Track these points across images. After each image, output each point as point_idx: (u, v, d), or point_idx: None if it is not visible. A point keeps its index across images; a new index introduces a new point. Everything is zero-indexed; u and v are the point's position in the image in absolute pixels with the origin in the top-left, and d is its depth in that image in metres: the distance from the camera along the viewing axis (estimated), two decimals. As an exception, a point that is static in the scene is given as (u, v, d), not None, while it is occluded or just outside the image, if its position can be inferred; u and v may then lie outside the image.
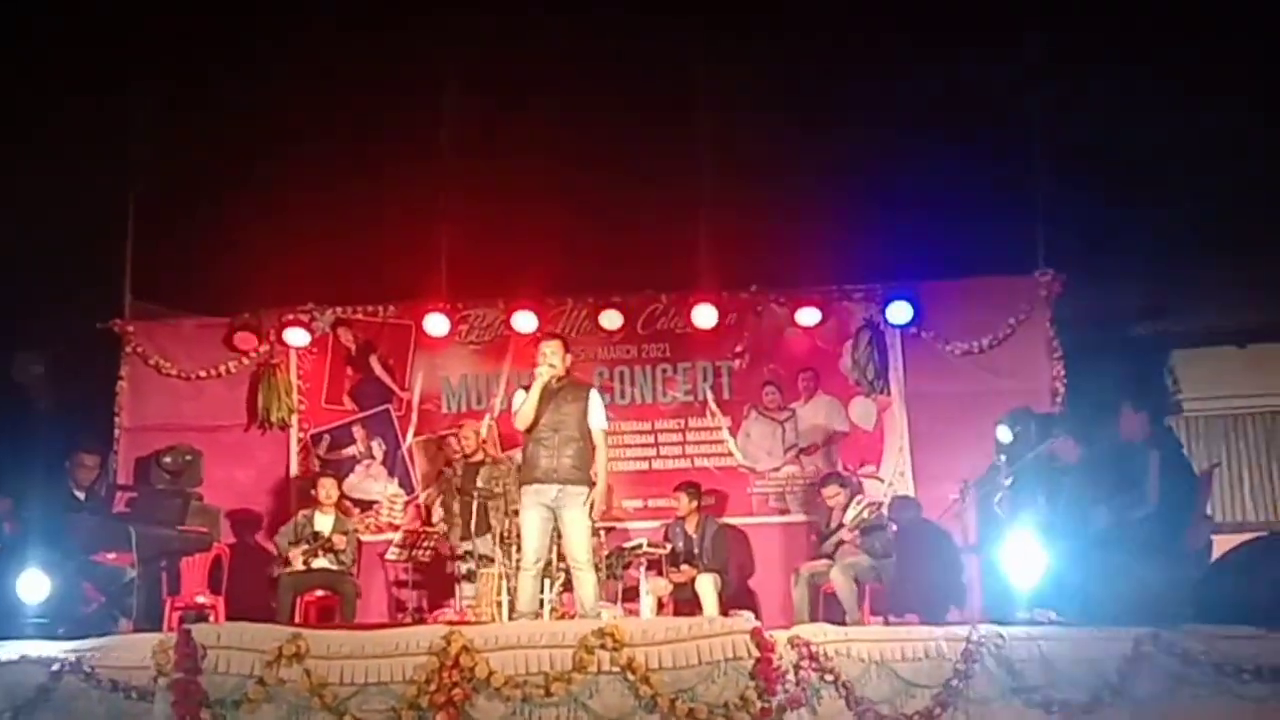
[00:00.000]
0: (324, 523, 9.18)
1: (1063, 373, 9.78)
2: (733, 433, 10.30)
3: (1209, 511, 7.85)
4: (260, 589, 9.20)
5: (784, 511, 10.17)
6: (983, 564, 8.54)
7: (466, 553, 9.03)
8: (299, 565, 8.96)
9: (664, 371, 10.42)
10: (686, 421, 10.34)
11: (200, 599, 8.76)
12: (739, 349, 10.36)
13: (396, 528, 10.04)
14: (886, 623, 8.62)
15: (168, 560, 8.13)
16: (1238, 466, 10.82)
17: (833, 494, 9.15)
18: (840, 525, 8.94)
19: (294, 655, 5.92)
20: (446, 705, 5.82)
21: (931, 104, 9.64)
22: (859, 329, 10.21)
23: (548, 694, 5.87)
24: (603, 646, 5.94)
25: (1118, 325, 10.75)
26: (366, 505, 10.22)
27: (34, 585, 6.61)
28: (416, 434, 10.44)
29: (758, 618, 7.41)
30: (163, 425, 10.04)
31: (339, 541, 9.02)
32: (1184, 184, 9.89)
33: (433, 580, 9.72)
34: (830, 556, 8.88)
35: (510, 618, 7.78)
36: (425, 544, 9.36)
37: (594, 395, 7.40)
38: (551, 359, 7.24)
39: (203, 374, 10.35)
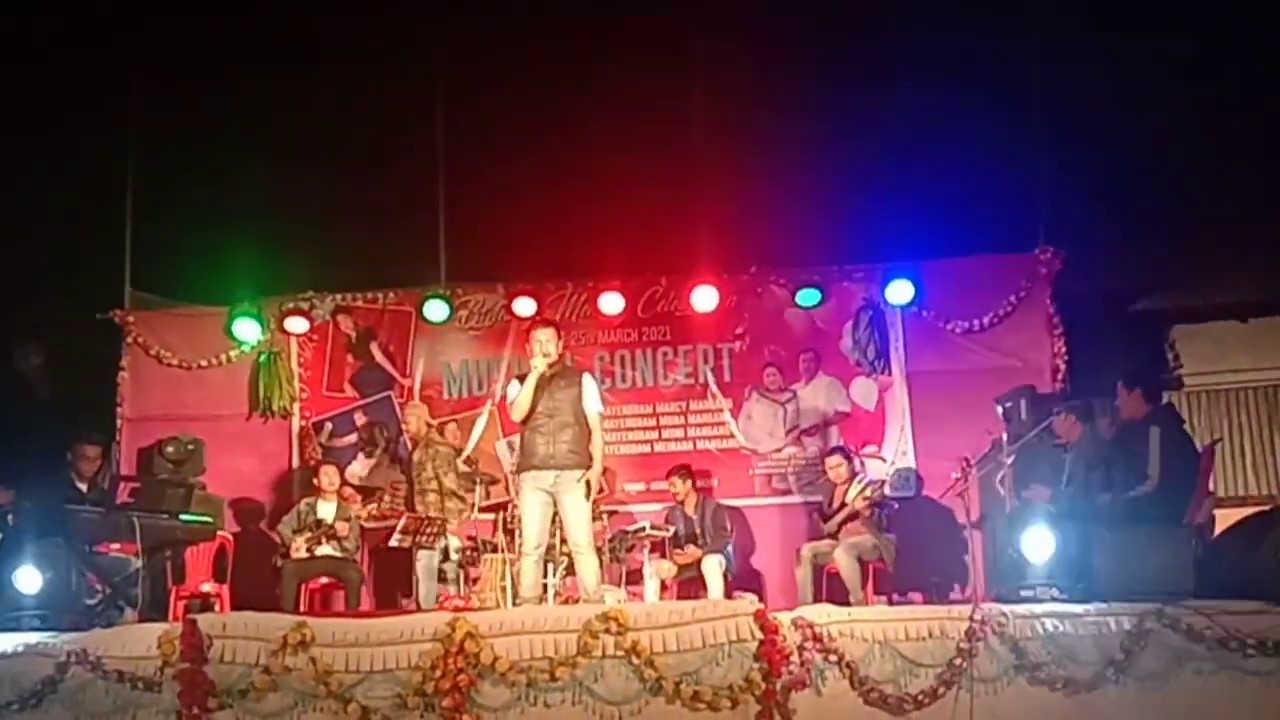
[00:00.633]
0: (326, 510, 9.18)
1: (1064, 350, 9.77)
2: (734, 415, 10.29)
3: (1211, 487, 7.84)
4: (265, 577, 9.20)
5: (786, 492, 10.18)
6: (986, 542, 8.54)
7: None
8: (302, 553, 8.96)
9: (665, 354, 10.41)
10: (688, 404, 10.34)
11: (205, 588, 8.79)
12: (739, 331, 10.35)
13: (400, 514, 10.04)
14: (890, 602, 8.62)
15: (172, 550, 8.12)
16: (1239, 441, 10.81)
17: (835, 464, 9.15)
18: (843, 505, 8.95)
19: (299, 643, 5.95)
20: (452, 691, 5.85)
21: (931, 81, 9.62)
22: (859, 309, 10.20)
23: (552, 679, 5.90)
24: (607, 630, 5.97)
25: (1119, 301, 10.73)
26: (369, 493, 10.21)
27: (31, 578, 6.61)
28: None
29: (761, 599, 7.43)
30: (164, 415, 10.06)
31: (341, 529, 9.03)
32: (1185, 159, 9.88)
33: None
34: (834, 536, 8.90)
35: (514, 603, 7.80)
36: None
37: (588, 380, 7.41)
38: (546, 346, 7.23)
39: (203, 363, 10.35)
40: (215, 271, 10.22)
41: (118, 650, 6.11)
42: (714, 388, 10.34)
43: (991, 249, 10.07)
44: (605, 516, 9.17)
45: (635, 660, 5.92)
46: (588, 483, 7.21)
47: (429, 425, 9.82)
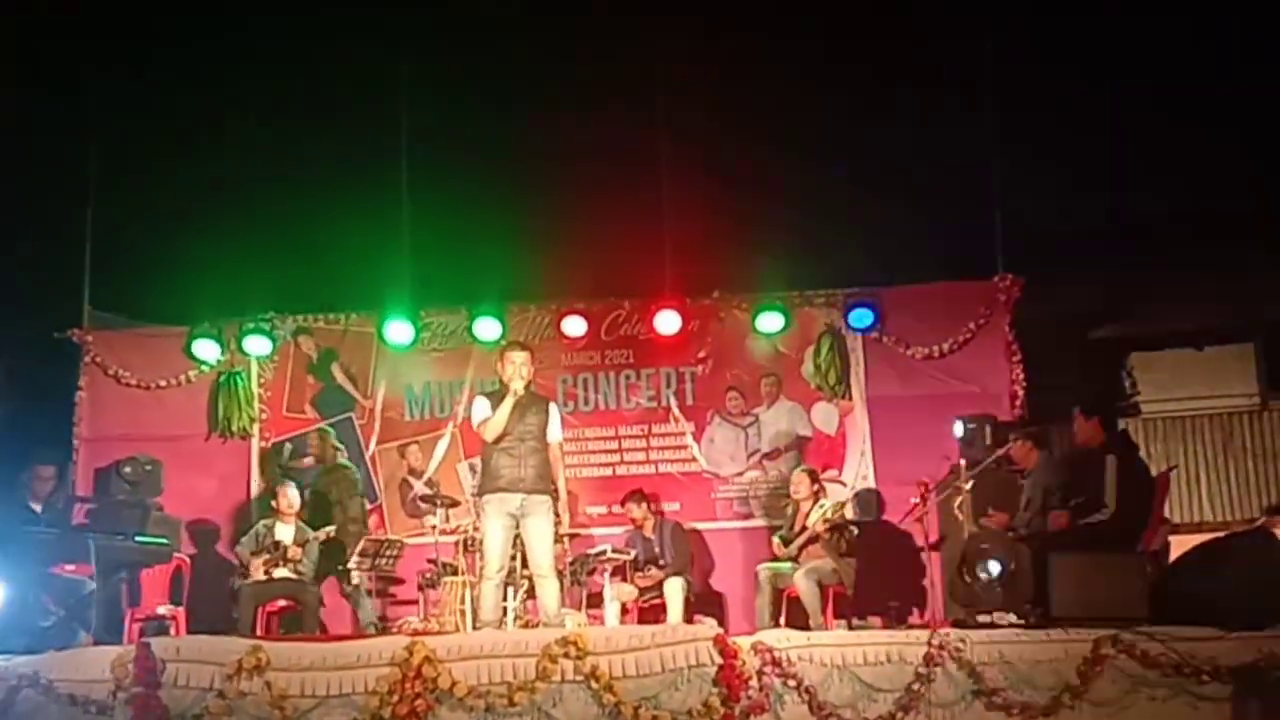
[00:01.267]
0: (285, 532, 9.10)
1: (1022, 376, 9.86)
2: (696, 438, 10.32)
3: (1166, 513, 7.92)
4: (221, 600, 9.12)
5: (748, 516, 10.22)
6: (944, 567, 8.58)
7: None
8: (260, 575, 8.88)
9: (627, 378, 10.44)
10: (650, 427, 10.37)
11: (161, 610, 8.68)
12: (702, 355, 10.39)
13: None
14: (849, 626, 8.66)
15: (128, 571, 8.05)
16: (1195, 467, 10.94)
17: (799, 480, 9.12)
18: (804, 529, 8.97)
19: (254, 668, 5.87)
20: (409, 716, 5.79)
21: (891, 111, 9.73)
22: (821, 334, 10.27)
23: (511, 703, 5.86)
24: (566, 655, 5.93)
25: (1077, 328, 10.85)
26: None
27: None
28: (380, 442, 10.40)
29: (722, 623, 7.45)
30: (122, 435, 9.95)
31: (295, 553, 8.94)
32: (1142, 188, 10.02)
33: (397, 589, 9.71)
34: (795, 560, 8.91)
35: (474, 627, 7.76)
36: (388, 553, 9.30)
37: (553, 408, 7.44)
38: (523, 369, 7.24)
39: (162, 383, 10.28)
40: (175, 291, 10.16)
41: (70, 673, 6.02)
42: (676, 411, 10.36)
43: (952, 275, 10.15)
44: (566, 540, 9.14)
45: (595, 685, 5.89)
46: (557, 512, 7.22)
47: (335, 449, 10.04)
